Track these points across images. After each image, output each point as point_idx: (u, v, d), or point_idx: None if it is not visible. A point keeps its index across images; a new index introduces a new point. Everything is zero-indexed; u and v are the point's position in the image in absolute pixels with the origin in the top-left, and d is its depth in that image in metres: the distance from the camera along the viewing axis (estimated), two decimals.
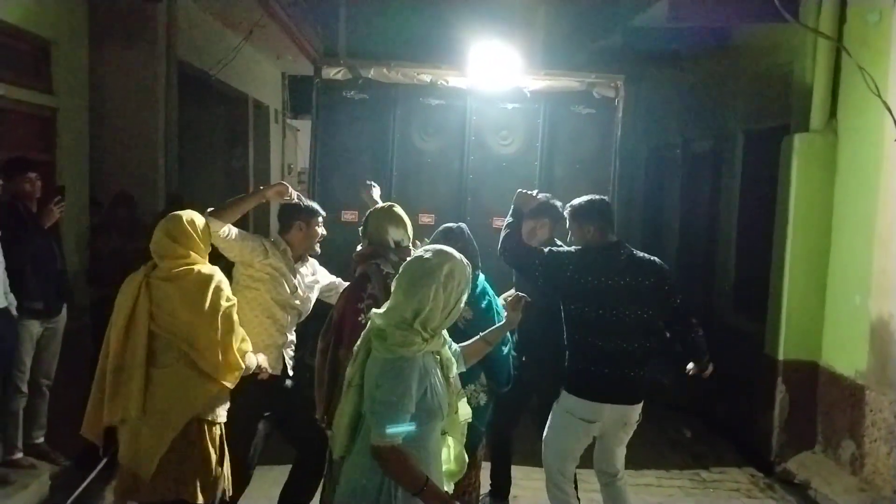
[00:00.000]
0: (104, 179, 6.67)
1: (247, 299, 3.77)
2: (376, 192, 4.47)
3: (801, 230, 5.59)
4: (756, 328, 6.16)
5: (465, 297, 2.59)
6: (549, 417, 3.89)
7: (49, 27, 5.72)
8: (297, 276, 3.92)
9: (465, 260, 2.61)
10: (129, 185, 6.61)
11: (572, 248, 3.87)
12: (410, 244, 3.70)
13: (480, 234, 5.49)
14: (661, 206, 9.32)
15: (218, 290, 3.40)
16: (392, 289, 2.60)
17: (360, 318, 3.40)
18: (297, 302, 3.91)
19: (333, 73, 5.88)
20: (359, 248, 3.77)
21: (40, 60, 5.81)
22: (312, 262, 4.11)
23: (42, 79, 5.81)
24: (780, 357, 5.67)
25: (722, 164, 7.62)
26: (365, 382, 2.54)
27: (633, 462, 5.61)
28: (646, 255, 3.80)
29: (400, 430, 2.40)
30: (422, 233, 5.73)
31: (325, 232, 4.05)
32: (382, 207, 3.81)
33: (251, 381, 3.63)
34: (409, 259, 2.68)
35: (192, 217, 3.54)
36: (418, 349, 2.46)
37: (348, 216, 5.68)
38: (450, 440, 2.76)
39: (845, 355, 5.35)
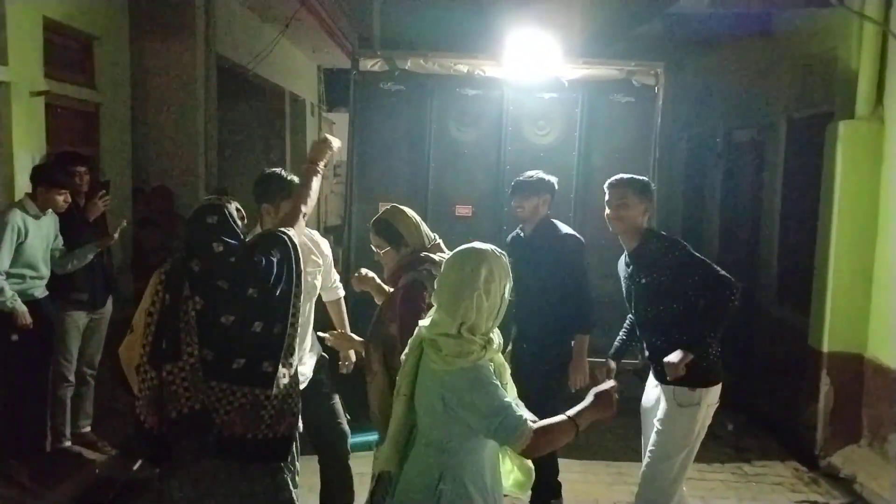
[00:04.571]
0: (146, 173, 6.79)
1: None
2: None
3: (846, 220, 5.46)
4: (800, 320, 6.05)
5: (508, 290, 2.41)
6: (674, 423, 3.59)
7: (92, 23, 5.82)
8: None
9: (497, 250, 2.42)
10: (170, 179, 6.72)
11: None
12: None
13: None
14: (701, 195, 9.18)
15: None
16: (432, 301, 2.43)
17: None
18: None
19: (370, 64, 5.88)
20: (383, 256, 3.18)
21: (83, 56, 5.92)
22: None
23: (85, 74, 5.92)
24: (825, 349, 5.55)
25: (764, 153, 7.48)
26: (426, 398, 2.36)
27: None
28: None
29: (522, 419, 2.25)
30: (459, 225, 5.76)
31: None
32: (398, 211, 3.20)
33: None
34: (442, 270, 2.45)
35: None
36: (478, 358, 2.30)
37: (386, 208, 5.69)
38: (509, 449, 2.48)
39: (892, 347, 5.23)
